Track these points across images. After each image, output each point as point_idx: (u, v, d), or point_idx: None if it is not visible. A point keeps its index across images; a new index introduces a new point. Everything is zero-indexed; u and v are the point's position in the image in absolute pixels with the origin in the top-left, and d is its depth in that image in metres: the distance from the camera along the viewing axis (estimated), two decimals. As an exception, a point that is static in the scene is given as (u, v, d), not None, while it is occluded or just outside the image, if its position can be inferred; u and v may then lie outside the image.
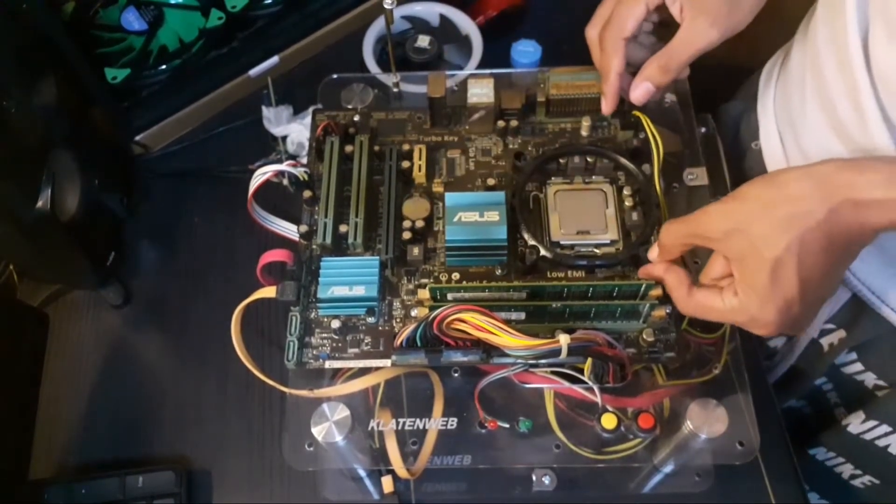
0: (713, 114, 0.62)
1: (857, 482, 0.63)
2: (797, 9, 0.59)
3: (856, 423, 0.59)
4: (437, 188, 0.57)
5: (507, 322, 0.46)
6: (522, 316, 0.50)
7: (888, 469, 0.59)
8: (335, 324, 0.51)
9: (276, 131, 0.71)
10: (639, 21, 0.51)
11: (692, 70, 0.55)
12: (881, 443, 0.58)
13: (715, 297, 0.44)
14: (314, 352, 0.51)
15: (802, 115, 0.54)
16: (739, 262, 0.42)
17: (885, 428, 0.57)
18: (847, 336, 0.58)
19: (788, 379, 0.66)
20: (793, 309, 0.41)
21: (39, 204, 0.55)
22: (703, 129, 0.60)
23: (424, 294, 0.51)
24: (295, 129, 0.71)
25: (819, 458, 0.65)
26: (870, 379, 0.58)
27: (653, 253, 0.50)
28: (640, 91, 0.53)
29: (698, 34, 0.49)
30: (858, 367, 0.59)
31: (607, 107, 0.55)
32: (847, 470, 0.63)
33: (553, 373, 0.50)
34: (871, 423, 0.58)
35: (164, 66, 0.72)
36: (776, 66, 0.61)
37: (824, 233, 0.39)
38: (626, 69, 0.53)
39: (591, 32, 0.54)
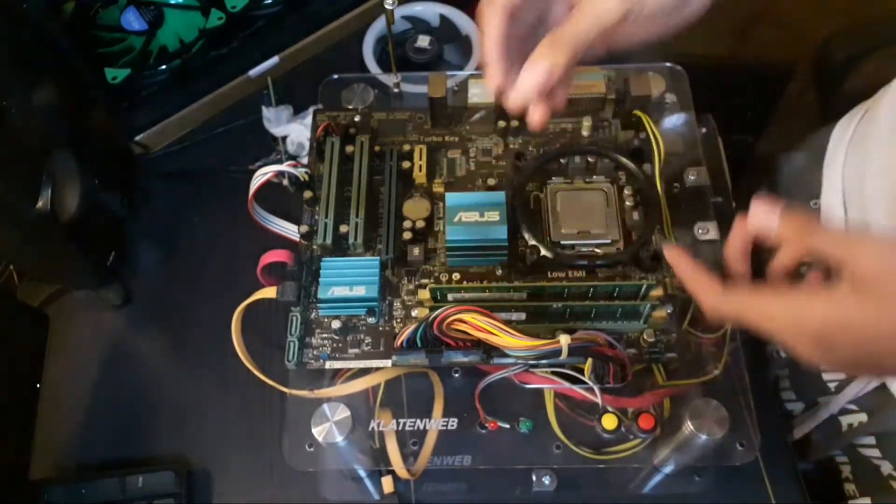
0: (774, 162, 0.60)
1: None
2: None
3: None
4: (438, 188, 0.57)
5: (508, 322, 0.46)
6: (523, 316, 0.50)
7: None
8: (335, 324, 0.51)
9: (276, 131, 0.71)
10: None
11: (692, 70, 0.54)
12: None
13: (801, 295, 0.38)
14: (314, 352, 0.51)
15: (879, 187, 0.49)
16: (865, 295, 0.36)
17: None
18: (867, 422, 0.57)
19: (804, 445, 0.65)
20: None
21: (39, 204, 0.55)
22: (703, 130, 0.60)
23: (425, 294, 0.51)
24: (295, 130, 0.71)
25: None
26: (886, 467, 0.57)
27: (765, 211, 0.40)
28: (526, 81, 0.41)
29: (594, 12, 0.40)
30: (876, 452, 0.57)
31: (516, 88, 0.42)
32: None
33: (553, 373, 0.50)
34: None
35: (164, 66, 0.72)
36: (853, 122, 0.56)
37: None
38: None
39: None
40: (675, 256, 0.45)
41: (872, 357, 0.37)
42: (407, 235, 0.53)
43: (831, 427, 0.60)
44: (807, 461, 0.66)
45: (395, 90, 0.64)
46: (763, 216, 0.41)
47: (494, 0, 0.42)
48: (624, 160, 0.55)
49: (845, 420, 0.59)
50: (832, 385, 0.59)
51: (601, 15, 0.40)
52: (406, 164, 0.56)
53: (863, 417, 0.57)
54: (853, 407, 0.58)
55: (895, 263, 0.36)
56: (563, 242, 0.53)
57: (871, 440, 0.58)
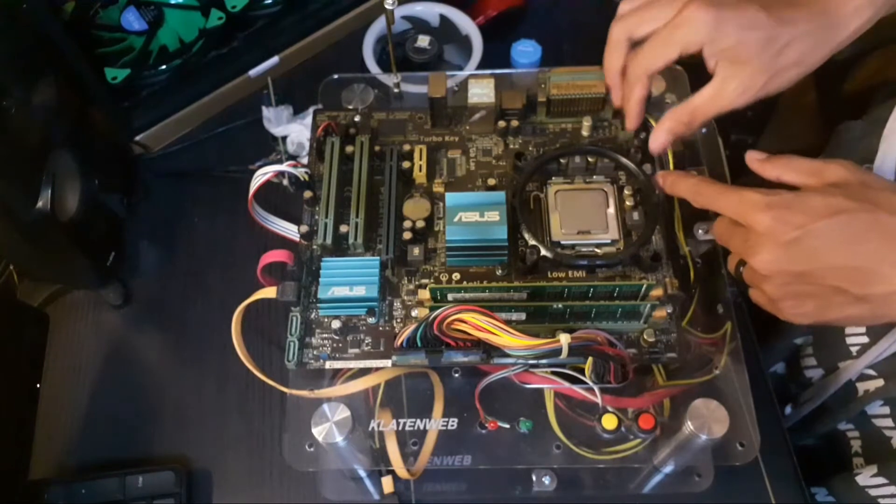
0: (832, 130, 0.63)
1: None
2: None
3: (865, 475, 0.58)
4: (438, 188, 0.57)
5: (508, 322, 0.46)
6: (523, 316, 0.50)
7: None
8: (335, 324, 0.51)
9: (276, 131, 0.71)
10: (670, 64, 0.50)
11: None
12: (884, 502, 0.56)
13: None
14: (314, 352, 0.51)
15: None
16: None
17: (892, 489, 0.56)
18: (884, 386, 0.57)
19: (815, 417, 0.65)
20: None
21: (39, 204, 0.55)
22: (703, 130, 0.60)
23: (425, 294, 0.51)
24: (295, 130, 0.71)
25: (819, 500, 0.64)
26: None
27: (757, 155, 0.49)
28: (659, 142, 0.52)
29: (726, 97, 0.48)
30: (889, 422, 0.58)
31: (631, 125, 0.54)
32: None
33: (553, 373, 0.50)
34: (881, 479, 0.57)
35: (164, 66, 0.72)
36: None
37: None
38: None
39: (618, 45, 0.51)
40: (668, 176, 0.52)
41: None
42: (407, 235, 0.53)
43: (847, 394, 0.61)
44: (817, 433, 0.66)
45: (395, 90, 0.64)
46: (753, 157, 0.49)
47: (653, 67, 0.50)
48: (624, 160, 0.56)
49: (862, 386, 0.59)
50: (854, 349, 0.59)
51: (727, 106, 0.48)
52: (406, 164, 0.57)
53: (879, 383, 0.58)
54: (871, 372, 0.58)
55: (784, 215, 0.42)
56: (563, 242, 0.54)
57: (886, 410, 0.58)
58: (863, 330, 0.58)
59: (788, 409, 0.68)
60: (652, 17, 0.50)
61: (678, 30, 0.48)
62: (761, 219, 0.43)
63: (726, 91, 0.48)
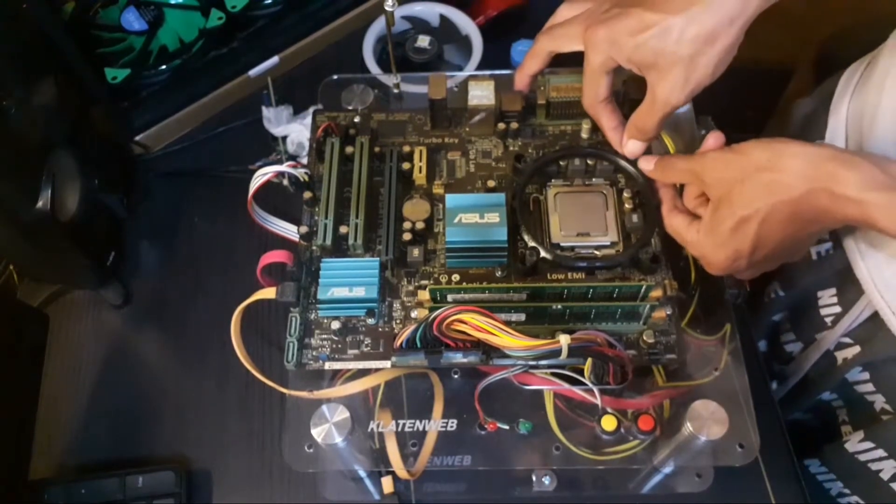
0: (784, 107, 0.64)
1: (843, 501, 0.63)
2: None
3: (853, 442, 0.59)
4: (438, 190, 0.57)
5: (508, 323, 0.47)
6: (522, 317, 0.50)
7: (875, 494, 0.59)
8: (335, 325, 0.51)
9: (276, 131, 0.71)
10: (609, 86, 0.51)
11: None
12: (874, 466, 0.58)
13: (684, 225, 0.49)
14: (314, 353, 0.51)
15: (872, 123, 0.53)
16: (714, 208, 0.46)
17: (880, 452, 0.57)
18: (861, 352, 0.58)
19: (799, 389, 0.66)
20: (740, 261, 0.46)
21: (39, 204, 0.55)
22: (703, 131, 0.60)
23: (424, 295, 0.51)
24: (295, 130, 0.71)
25: (812, 471, 0.65)
26: (879, 401, 0.58)
27: (645, 164, 0.53)
28: (630, 148, 0.53)
29: (660, 100, 0.48)
30: (870, 387, 0.59)
31: (620, 150, 0.54)
32: (836, 488, 0.63)
33: (553, 374, 0.50)
34: (868, 444, 0.58)
35: (164, 66, 0.72)
36: (859, 69, 0.59)
37: (793, 208, 0.43)
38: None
39: (539, 54, 0.55)
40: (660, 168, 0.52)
41: (766, 256, 0.46)
42: (407, 237, 0.53)
43: (826, 364, 0.62)
44: (803, 407, 0.67)
45: (395, 91, 0.64)
46: (642, 165, 0.53)
47: (598, 96, 0.51)
48: (623, 163, 0.55)
49: (840, 355, 0.61)
50: (829, 320, 0.60)
51: (666, 109, 0.48)
52: (406, 166, 0.57)
53: (856, 349, 0.59)
54: (848, 340, 0.59)
55: (728, 169, 0.45)
56: (562, 244, 0.54)
57: (866, 375, 0.59)
58: (835, 300, 0.60)
59: (774, 385, 0.69)
60: (568, 34, 0.52)
61: (588, 57, 0.50)
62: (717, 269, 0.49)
63: (658, 95, 0.47)
